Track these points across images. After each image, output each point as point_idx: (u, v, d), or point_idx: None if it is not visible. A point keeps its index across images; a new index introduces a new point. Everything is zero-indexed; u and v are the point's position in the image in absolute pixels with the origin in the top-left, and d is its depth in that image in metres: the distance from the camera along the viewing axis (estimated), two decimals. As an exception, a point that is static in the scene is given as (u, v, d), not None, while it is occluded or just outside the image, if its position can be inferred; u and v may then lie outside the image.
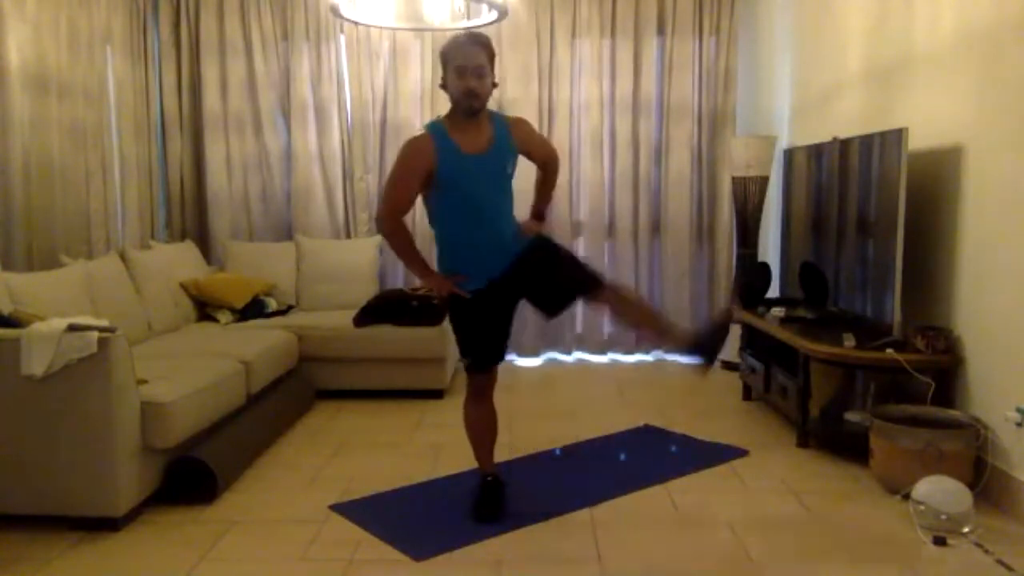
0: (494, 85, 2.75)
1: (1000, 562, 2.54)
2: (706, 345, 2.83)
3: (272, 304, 5.00)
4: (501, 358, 2.99)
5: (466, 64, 2.65)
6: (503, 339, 2.97)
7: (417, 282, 5.41)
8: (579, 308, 5.70)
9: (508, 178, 2.84)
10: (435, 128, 2.76)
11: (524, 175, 2.96)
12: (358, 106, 5.50)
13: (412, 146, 2.75)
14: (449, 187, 2.74)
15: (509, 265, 2.84)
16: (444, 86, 2.74)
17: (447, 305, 2.95)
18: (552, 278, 2.87)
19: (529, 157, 2.96)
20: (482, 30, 4.67)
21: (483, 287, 2.84)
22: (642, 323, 3.04)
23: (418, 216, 5.36)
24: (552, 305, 2.94)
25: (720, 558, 2.63)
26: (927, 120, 3.41)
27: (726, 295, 5.49)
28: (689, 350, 2.91)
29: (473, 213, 2.78)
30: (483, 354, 2.95)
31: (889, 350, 3.29)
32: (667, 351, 2.96)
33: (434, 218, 2.88)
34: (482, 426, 3.04)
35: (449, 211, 2.81)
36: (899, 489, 3.01)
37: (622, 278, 5.61)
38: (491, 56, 2.72)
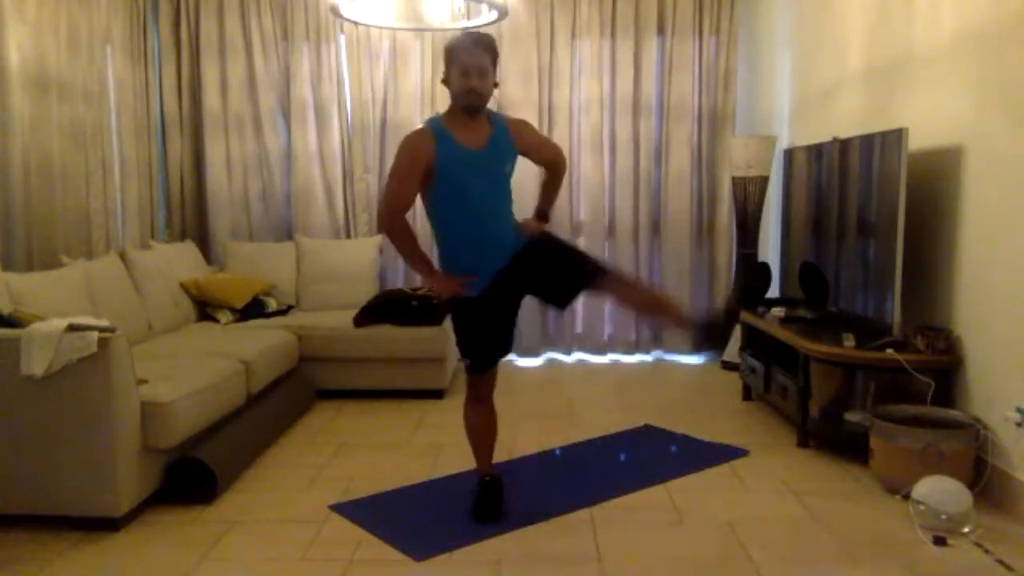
0: (495, 85, 2.78)
1: (1000, 562, 2.54)
2: (708, 330, 3.00)
3: (272, 304, 5.00)
4: (502, 356, 2.98)
5: (469, 64, 2.67)
6: (505, 339, 2.97)
7: (418, 281, 5.43)
8: (579, 307, 5.71)
9: (506, 177, 2.84)
10: (433, 123, 2.78)
11: (525, 176, 2.95)
12: (358, 106, 5.50)
13: (411, 140, 2.74)
14: (446, 180, 2.74)
15: (509, 262, 2.83)
16: (446, 82, 2.76)
17: (448, 305, 2.94)
18: (557, 270, 2.86)
19: (531, 158, 2.96)
20: (482, 30, 4.69)
21: (485, 288, 2.84)
22: (646, 307, 3.09)
23: (419, 218, 5.37)
24: (559, 297, 2.94)
25: (720, 558, 2.63)
26: (927, 120, 3.41)
27: (726, 295, 5.49)
28: (692, 331, 3.03)
29: (470, 208, 2.77)
30: (484, 355, 2.94)
31: (889, 350, 3.29)
32: (671, 331, 3.15)
33: (433, 216, 2.87)
34: (482, 429, 3.04)
35: (447, 207, 2.80)
36: (899, 489, 3.01)
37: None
38: (494, 57, 2.75)
